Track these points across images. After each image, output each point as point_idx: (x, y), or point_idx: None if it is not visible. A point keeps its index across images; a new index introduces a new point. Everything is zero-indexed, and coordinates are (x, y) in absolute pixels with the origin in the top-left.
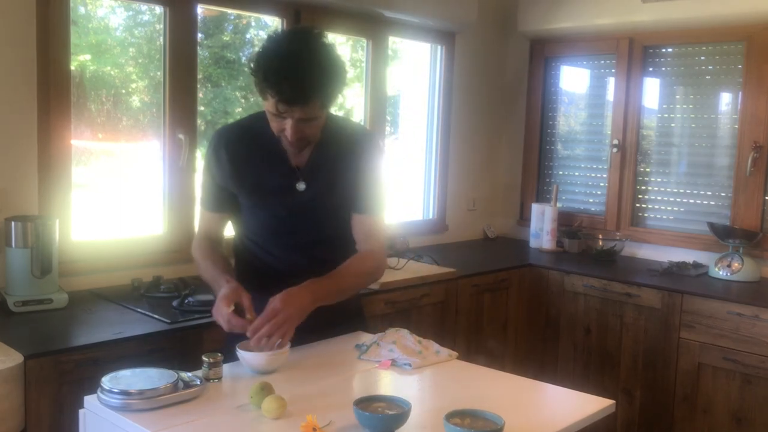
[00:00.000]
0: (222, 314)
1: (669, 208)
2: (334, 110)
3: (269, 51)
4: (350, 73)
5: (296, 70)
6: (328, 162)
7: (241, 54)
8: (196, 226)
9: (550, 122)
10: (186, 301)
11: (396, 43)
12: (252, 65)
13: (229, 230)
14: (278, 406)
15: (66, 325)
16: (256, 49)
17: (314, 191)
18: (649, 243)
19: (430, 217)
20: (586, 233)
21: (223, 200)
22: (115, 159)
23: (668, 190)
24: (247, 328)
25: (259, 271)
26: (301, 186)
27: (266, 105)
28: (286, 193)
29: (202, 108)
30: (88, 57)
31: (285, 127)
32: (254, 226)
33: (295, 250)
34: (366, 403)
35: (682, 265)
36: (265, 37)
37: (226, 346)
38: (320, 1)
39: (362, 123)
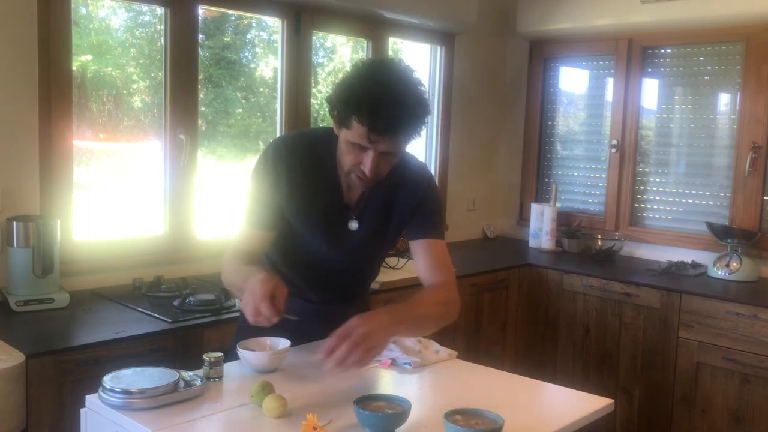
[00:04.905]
0: (256, 298)
1: (668, 208)
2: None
3: (363, 79)
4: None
5: (394, 99)
6: (380, 201)
7: (241, 55)
8: (196, 225)
9: (550, 122)
10: (187, 300)
11: (396, 43)
12: (339, 93)
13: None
14: (279, 405)
15: (67, 324)
16: (340, 76)
17: (366, 231)
18: (648, 243)
19: None
20: (585, 233)
21: (275, 219)
22: (116, 159)
23: (667, 190)
24: (276, 316)
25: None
26: (353, 225)
27: (348, 135)
28: (336, 229)
29: (202, 108)
30: (89, 57)
31: (363, 161)
32: (288, 253)
33: (328, 281)
34: (366, 401)
35: (680, 265)
36: (265, 43)
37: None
38: (320, 2)
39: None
